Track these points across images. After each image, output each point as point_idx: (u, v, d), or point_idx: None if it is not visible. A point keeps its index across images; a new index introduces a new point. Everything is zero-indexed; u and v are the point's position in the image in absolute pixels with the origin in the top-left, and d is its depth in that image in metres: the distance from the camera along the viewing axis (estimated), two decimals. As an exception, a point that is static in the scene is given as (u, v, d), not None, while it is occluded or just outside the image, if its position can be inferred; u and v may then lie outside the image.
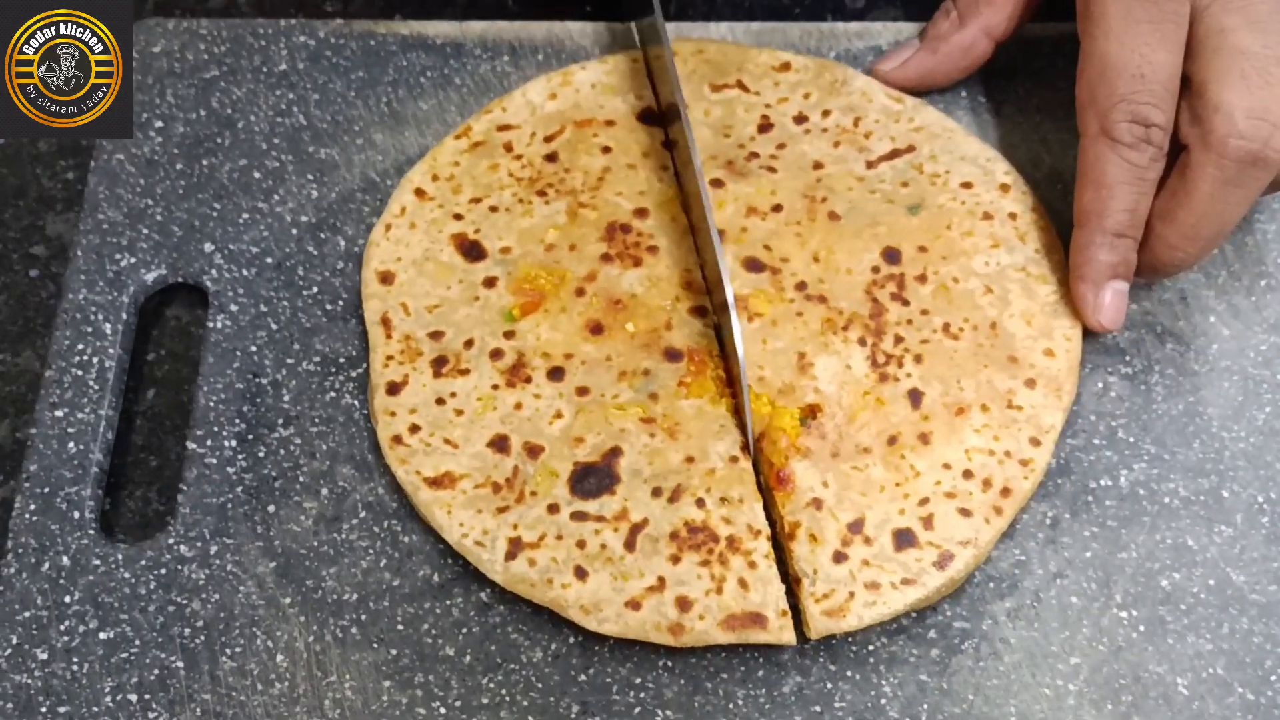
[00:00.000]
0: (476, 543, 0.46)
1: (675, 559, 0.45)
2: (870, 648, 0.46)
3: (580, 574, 0.45)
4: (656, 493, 0.46)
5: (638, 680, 0.45)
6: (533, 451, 0.47)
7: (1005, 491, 0.46)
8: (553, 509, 0.46)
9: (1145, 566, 0.47)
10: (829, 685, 0.45)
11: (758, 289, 0.50)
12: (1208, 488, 0.49)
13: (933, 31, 0.56)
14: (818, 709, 0.45)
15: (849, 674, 0.45)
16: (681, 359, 0.49)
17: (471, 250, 0.52)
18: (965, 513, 0.46)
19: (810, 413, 0.48)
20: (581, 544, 0.45)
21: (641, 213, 0.53)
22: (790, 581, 0.46)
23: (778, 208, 0.52)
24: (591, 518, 0.46)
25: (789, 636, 0.44)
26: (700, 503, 0.46)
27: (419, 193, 0.53)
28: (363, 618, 0.46)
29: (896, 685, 0.45)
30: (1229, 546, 0.48)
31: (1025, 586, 0.47)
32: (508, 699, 0.45)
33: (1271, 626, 0.46)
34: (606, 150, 0.54)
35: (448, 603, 0.46)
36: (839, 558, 0.45)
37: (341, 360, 0.51)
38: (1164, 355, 0.52)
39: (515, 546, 0.45)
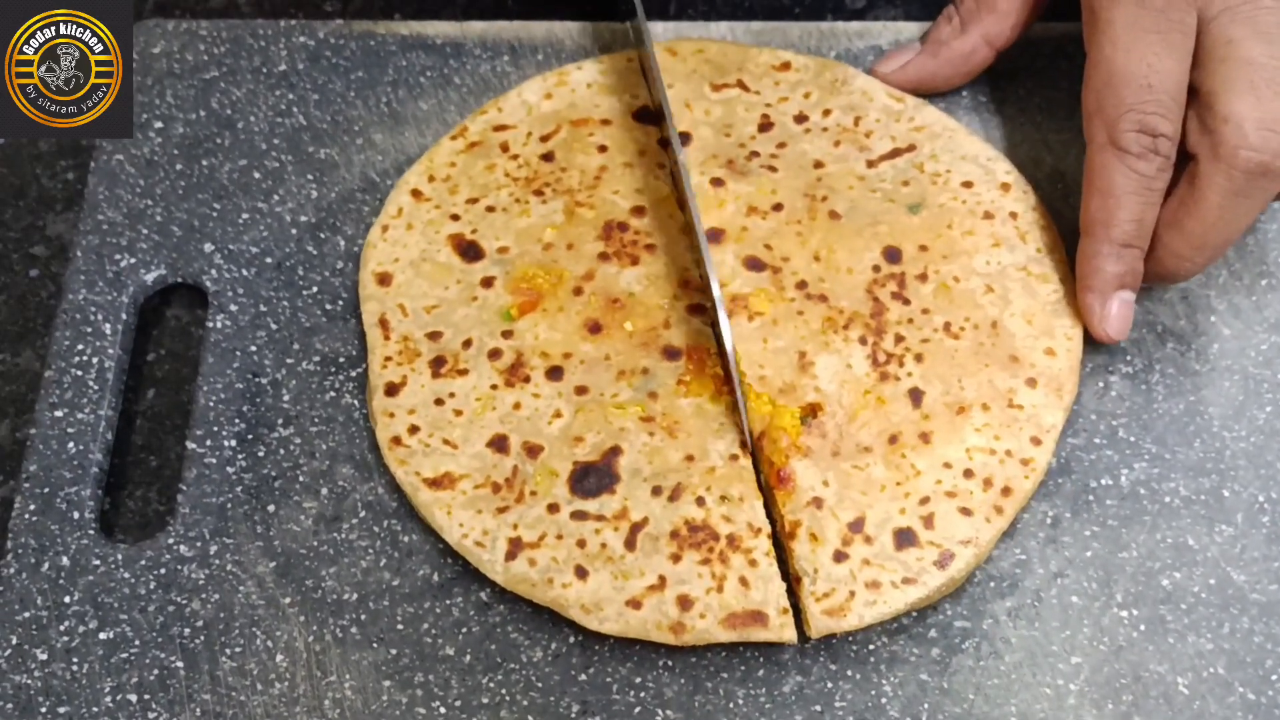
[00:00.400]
0: (476, 543, 0.45)
1: (676, 558, 0.45)
2: (871, 647, 0.46)
3: (581, 573, 0.45)
4: (656, 491, 0.46)
5: (638, 680, 0.45)
6: (532, 451, 0.47)
7: (1006, 491, 0.46)
8: (553, 508, 0.46)
9: (1146, 566, 0.47)
10: (829, 684, 0.45)
11: (758, 288, 0.50)
12: (1209, 487, 0.49)
13: (934, 35, 0.56)
14: (818, 708, 0.45)
15: (849, 673, 0.45)
16: (680, 357, 0.49)
17: (469, 250, 0.52)
18: (966, 512, 0.46)
19: (811, 412, 0.48)
20: (582, 543, 0.45)
21: (638, 211, 0.53)
22: (790, 580, 0.46)
23: (778, 207, 0.52)
24: (591, 517, 0.46)
25: (790, 634, 0.44)
26: (700, 501, 0.46)
27: (415, 194, 0.53)
28: (362, 617, 0.46)
29: (897, 684, 0.45)
30: (1230, 546, 0.47)
31: (1026, 586, 0.47)
32: (508, 698, 0.45)
33: (1272, 626, 0.46)
34: (603, 149, 0.54)
35: (448, 602, 0.46)
36: (839, 557, 0.45)
37: (341, 360, 0.51)
38: (1165, 354, 0.51)
39: (515, 546, 0.45)
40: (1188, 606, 0.46)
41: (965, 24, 0.55)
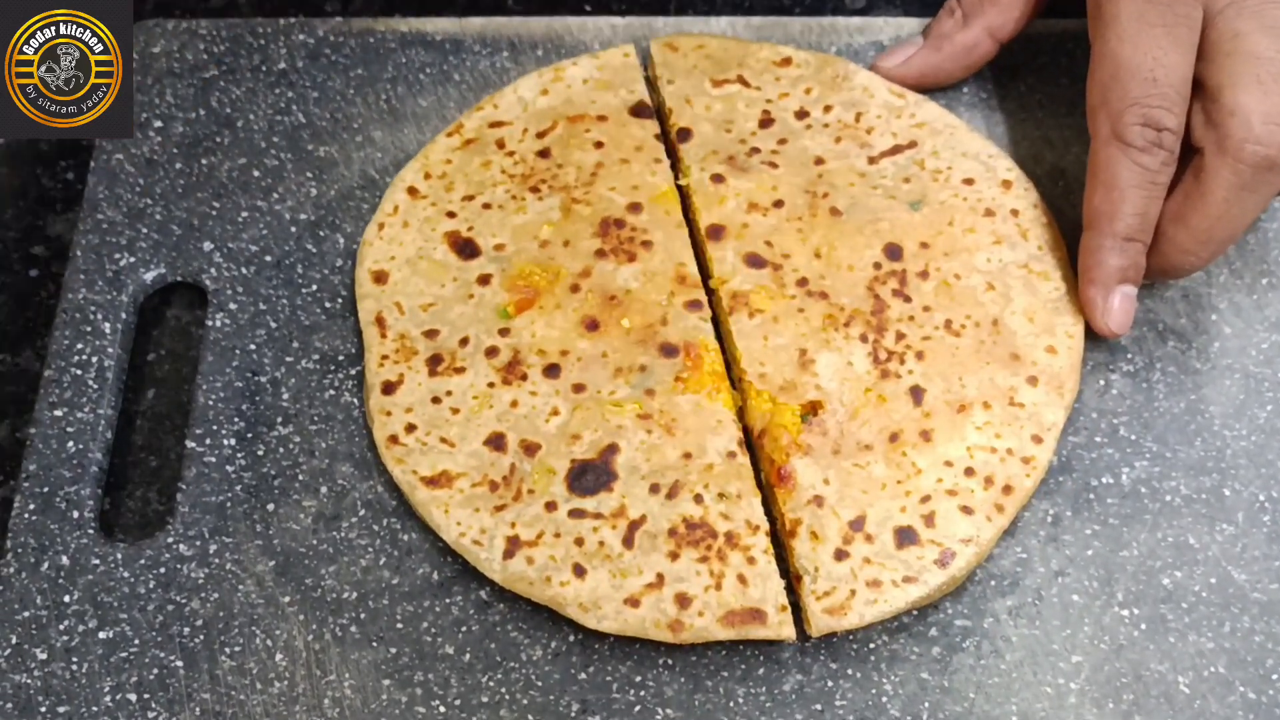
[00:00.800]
0: (474, 541, 0.45)
1: (674, 555, 0.45)
2: (871, 645, 0.46)
3: (579, 571, 0.45)
4: (654, 489, 0.46)
5: (638, 678, 0.45)
6: (529, 449, 0.47)
7: (1007, 489, 0.46)
8: (550, 506, 0.46)
9: (1147, 565, 0.47)
10: (830, 683, 0.45)
11: (759, 285, 0.50)
12: (1209, 486, 0.48)
13: (936, 29, 0.56)
14: (819, 707, 0.44)
15: (850, 672, 0.45)
16: (678, 354, 0.49)
17: (465, 248, 0.52)
18: (967, 510, 0.46)
19: (811, 409, 0.48)
20: (580, 541, 0.45)
21: (635, 207, 0.52)
22: (790, 579, 0.46)
23: (779, 203, 0.52)
24: (589, 515, 0.46)
25: (788, 631, 0.44)
26: (698, 499, 0.46)
27: (411, 191, 0.53)
28: (362, 616, 0.46)
29: (898, 683, 0.45)
30: (1230, 545, 0.47)
31: (1027, 584, 0.47)
32: (507, 697, 0.45)
33: (1273, 625, 0.46)
34: (599, 145, 0.54)
35: (447, 601, 0.46)
36: (840, 555, 0.45)
37: (340, 358, 0.51)
38: (1165, 353, 0.51)
39: (513, 545, 0.45)
40: (1189, 605, 0.46)
41: (968, 17, 0.55)
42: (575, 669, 0.45)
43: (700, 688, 0.45)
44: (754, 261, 0.51)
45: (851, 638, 0.46)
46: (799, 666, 0.45)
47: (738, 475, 0.47)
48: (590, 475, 0.46)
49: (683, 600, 0.44)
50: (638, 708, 0.44)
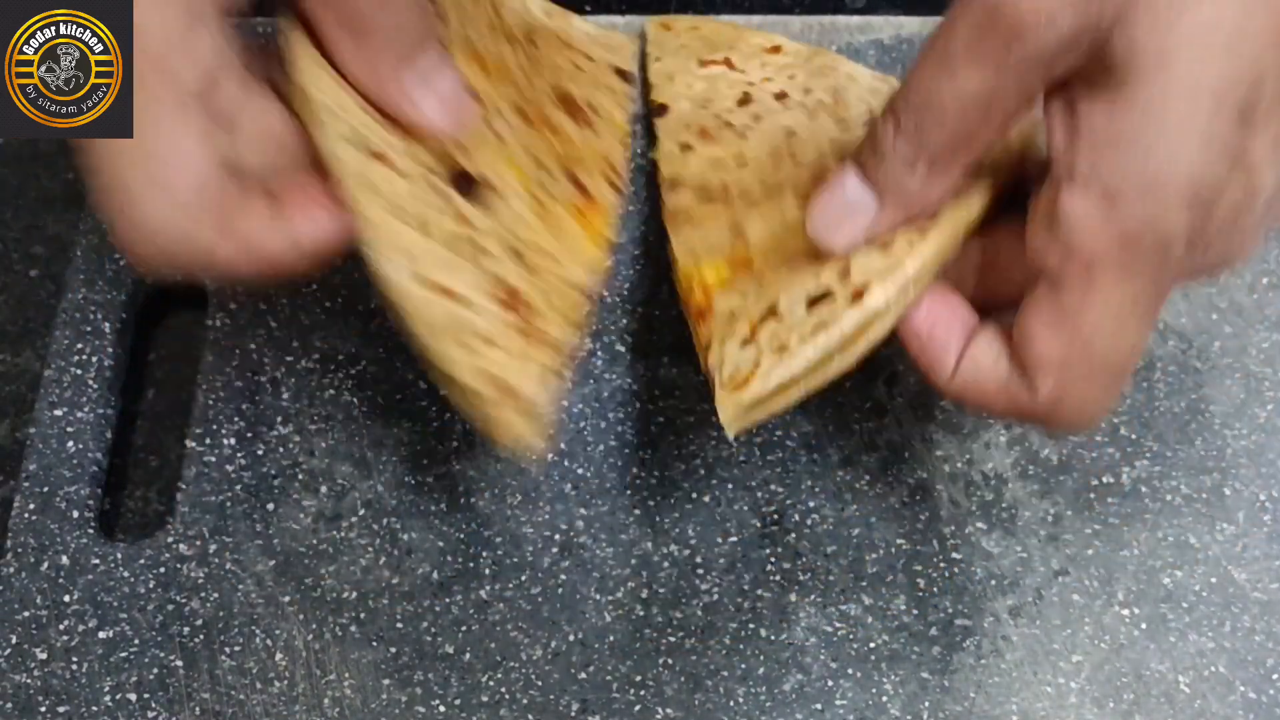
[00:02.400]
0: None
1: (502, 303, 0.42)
2: (871, 645, 0.46)
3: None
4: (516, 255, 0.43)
5: (638, 678, 0.45)
6: None
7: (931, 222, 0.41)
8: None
9: (1147, 564, 0.47)
10: (830, 683, 0.45)
11: (707, 208, 0.49)
12: (1210, 485, 0.48)
13: (894, 185, 0.39)
14: (819, 707, 0.45)
15: (850, 671, 0.45)
16: (587, 195, 0.48)
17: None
18: (885, 246, 0.40)
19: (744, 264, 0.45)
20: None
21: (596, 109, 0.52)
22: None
23: (744, 164, 0.50)
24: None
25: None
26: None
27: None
28: (362, 616, 0.46)
29: (898, 683, 0.45)
30: (1231, 544, 0.47)
31: (1027, 584, 0.47)
32: (507, 697, 0.45)
33: (1273, 624, 0.46)
34: (578, 68, 0.53)
35: (447, 600, 0.46)
36: (746, 342, 0.41)
37: (340, 357, 0.51)
38: (1166, 352, 0.51)
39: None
40: (1189, 605, 0.46)
41: (934, 167, 0.39)
42: (575, 669, 0.45)
43: (700, 687, 0.45)
44: (705, 197, 0.49)
45: (851, 637, 0.46)
46: (799, 666, 0.45)
47: (573, 305, 0.45)
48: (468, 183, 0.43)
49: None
50: (638, 707, 0.44)
